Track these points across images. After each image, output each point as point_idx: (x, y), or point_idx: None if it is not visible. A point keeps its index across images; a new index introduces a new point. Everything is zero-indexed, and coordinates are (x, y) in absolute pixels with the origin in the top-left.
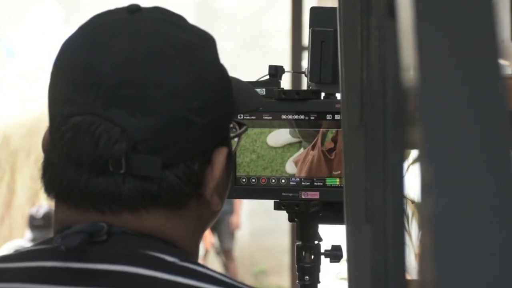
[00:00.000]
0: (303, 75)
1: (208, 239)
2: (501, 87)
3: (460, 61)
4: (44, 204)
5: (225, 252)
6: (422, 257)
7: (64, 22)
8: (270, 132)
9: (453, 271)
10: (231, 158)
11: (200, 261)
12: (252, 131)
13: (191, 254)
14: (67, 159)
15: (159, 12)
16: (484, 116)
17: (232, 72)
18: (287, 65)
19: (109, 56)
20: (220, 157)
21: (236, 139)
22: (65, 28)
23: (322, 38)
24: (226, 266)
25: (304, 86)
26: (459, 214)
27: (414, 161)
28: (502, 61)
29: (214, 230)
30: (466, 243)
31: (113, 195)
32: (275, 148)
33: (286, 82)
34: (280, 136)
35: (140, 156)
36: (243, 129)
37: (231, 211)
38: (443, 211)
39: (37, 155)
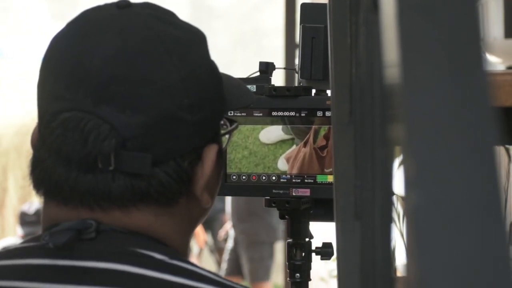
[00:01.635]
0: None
1: (202, 237)
2: (485, 82)
3: (443, 56)
4: (36, 201)
5: (219, 250)
6: (407, 253)
7: (61, 20)
8: (262, 128)
9: (435, 266)
10: (221, 155)
11: (194, 259)
12: (245, 127)
13: (181, 251)
14: (56, 156)
15: (149, 8)
16: (469, 111)
17: (226, 70)
18: (281, 63)
19: (98, 52)
20: (210, 154)
21: (227, 136)
22: (61, 25)
23: (313, 35)
24: (220, 264)
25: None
26: (441, 209)
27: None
28: (494, 58)
29: (208, 228)
30: (448, 238)
31: (103, 192)
32: (267, 144)
33: (279, 80)
34: (272, 133)
35: (129, 153)
36: (233, 126)
37: (224, 209)
38: (425, 206)
39: (29, 154)
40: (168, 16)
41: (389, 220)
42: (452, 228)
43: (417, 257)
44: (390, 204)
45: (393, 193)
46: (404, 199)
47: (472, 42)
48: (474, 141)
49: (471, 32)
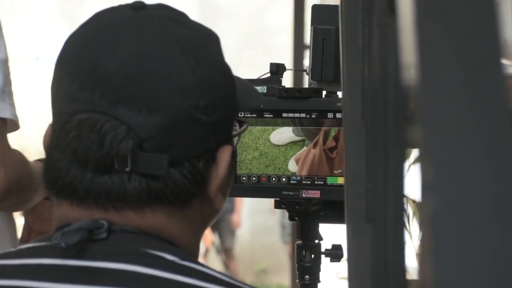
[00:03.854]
0: (304, 73)
1: (209, 238)
2: (503, 85)
3: (462, 59)
4: None
5: (226, 251)
6: (421, 257)
7: (64, 19)
8: (273, 130)
9: (453, 271)
10: (234, 156)
11: (200, 259)
12: (255, 129)
13: (192, 252)
14: (71, 157)
15: (163, 9)
16: (486, 115)
17: (234, 70)
18: (289, 63)
19: (115, 53)
20: (225, 155)
21: (236, 137)
22: (65, 25)
23: (324, 36)
24: (226, 264)
25: (306, 85)
26: (459, 214)
27: (415, 161)
28: (504, 60)
29: (215, 228)
30: (465, 243)
31: (118, 193)
32: (278, 146)
33: (287, 81)
34: (283, 134)
35: (146, 154)
36: (244, 127)
37: (231, 210)
38: (442, 211)
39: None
40: (182, 18)
41: (401, 223)
42: (468, 233)
43: (433, 262)
44: (402, 206)
45: (404, 195)
46: (420, 203)
47: (490, 45)
48: (492, 145)
49: (489, 35)
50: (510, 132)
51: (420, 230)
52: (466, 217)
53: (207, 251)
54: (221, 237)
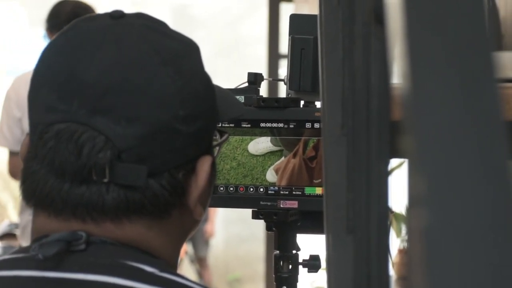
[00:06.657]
0: (280, 83)
1: (182, 247)
2: (497, 95)
3: (455, 69)
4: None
5: (199, 260)
6: (410, 270)
7: (28, 24)
8: (251, 139)
9: (447, 285)
10: (214, 166)
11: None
12: (233, 139)
13: (171, 263)
14: (49, 167)
15: (142, 18)
16: (480, 125)
17: None
18: (264, 73)
19: (93, 63)
20: (204, 166)
21: (216, 147)
22: (30, 29)
23: (302, 46)
24: (200, 274)
25: (281, 94)
26: (453, 227)
27: (391, 170)
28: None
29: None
30: (460, 257)
31: (96, 204)
32: (256, 156)
33: (262, 90)
34: (261, 144)
35: (124, 165)
36: (225, 137)
37: (205, 219)
38: (436, 224)
39: None
40: (161, 27)
41: (385, 234)
42: (463, 246)
43: (427, 276)
44: (386, 217)
45: (389, 207)
46: (410, 215)
47: (483, 55)
48: (486, 156)
49: (482, 44)
50: (504, 143)
51: (407, 242)
52: (461, 230)
53: (180, 260)
54: (194, 246)
